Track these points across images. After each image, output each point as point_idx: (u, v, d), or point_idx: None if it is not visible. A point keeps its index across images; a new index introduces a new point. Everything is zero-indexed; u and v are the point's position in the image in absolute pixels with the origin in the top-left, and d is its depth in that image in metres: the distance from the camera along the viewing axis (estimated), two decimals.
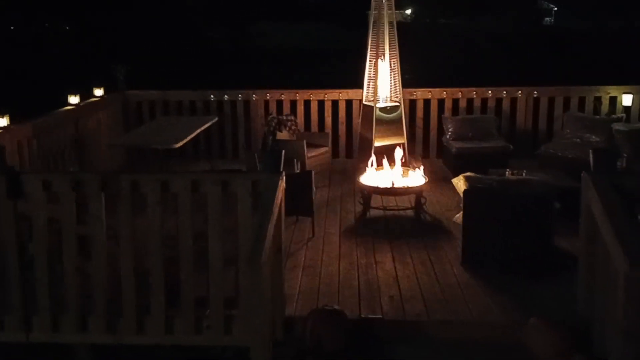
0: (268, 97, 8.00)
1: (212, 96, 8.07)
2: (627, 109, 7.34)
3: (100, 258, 3.72)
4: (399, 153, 5.91)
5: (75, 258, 3.72)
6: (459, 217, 4.98)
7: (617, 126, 6.19)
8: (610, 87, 7.55)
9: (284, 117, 7.27)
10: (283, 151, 3.97)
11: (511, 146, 7.09)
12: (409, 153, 6.88)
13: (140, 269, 3.77)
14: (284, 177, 3.82)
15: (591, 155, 3.72)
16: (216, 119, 7.54)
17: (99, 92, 7.37)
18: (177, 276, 3.71)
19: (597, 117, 7.21)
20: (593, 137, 6.61)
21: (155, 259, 3.73)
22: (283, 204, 3.85)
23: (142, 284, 3.77)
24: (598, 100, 7.57)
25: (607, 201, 3.36)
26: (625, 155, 5.86)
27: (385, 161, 5.89)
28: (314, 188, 5.35)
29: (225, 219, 3.77)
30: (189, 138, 6.30)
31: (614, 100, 7.51)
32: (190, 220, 3.70)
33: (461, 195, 4.76)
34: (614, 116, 7.03)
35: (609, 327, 3.13)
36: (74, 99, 6.66)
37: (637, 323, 2.93)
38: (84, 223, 3.77)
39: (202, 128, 6.87)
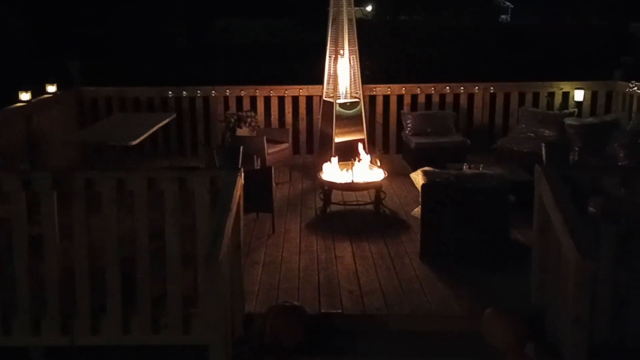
0: (227, 94, 7.94)
1: (170, 92, 7.95)
2: (579, 104, 7.55)
3: (53, 258, 3.63)
4: (359, 149, 5.94)
5: (27, 259, 3.62)
6: (417, 211, 5.03)
7: (569, 121, 6.36)
8: (563, 82, 7.75)
9: (244, 114, 7.22)
10: (241, 147, 3.94)
11: (468, 141, 7.21)
12: (368, 149, 6.92)
13: (96, 269, 3.70)
14: (243, 174, 3.80)
15: (543, 149, 3.80)
16: (174, 115, 7.44)
17: (51, 88, 7.18)
18: (134, 275, 3.65)
19: (550, 112, 7.39)
20: (547, 131, 6.78)
21: (110, 257, 3.67)
22: (242, 201, 3.82)
23: (98, 284, 3.69)
24: (551, 95, 7.76)
25: (558, 193, 3.45)
26: (577, 148, 6.03)
27: (345, 157, 5.92)
28: (274, 184, 5.33)
29: (184, 218, 3.73)
30: (146, 135, 6.20)
31: (566, 95, 7.72)
32: (146, 218, 3.65)
33: (419, 189, 4.81)
34: (566, 111, 7.22)
35: (560, 314, 3.22)
36: (25, 96, 6.46)
37: (585, 309, 3.02)
38: (36, 223, 3.67)
39: (160, 125, 6.77)
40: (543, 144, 3.84)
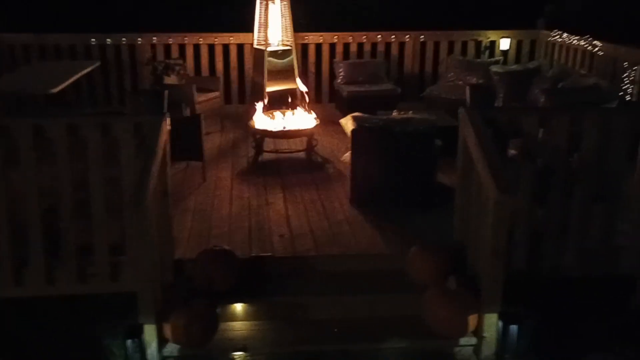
0: (154, 41, 7.65)
1: (93, 40, 7.58)
2: (504, 52, 7.74)
3: None
4: (291, 97, 5.90)
5: None
6: (347, 156, 5.09)
7: (494, 68, 6.52)
8: (490, 32, 7.90)
9: (172, 62, 7.00)
10: (166, 91, 3.85)
11: (399, 89, 7.30)
12: (300, 97, 6.89)
13: (18, 221, 3.56)
14: (168, 119, 3.70)
15: (467, 92, 3.90)
16: (98, 63, 7.13)
17: None
18: (59, 226, 3.55)
19: (478, 60, 7.55)
20: (474, 79, 6.94)
21: (31, 207, 3.53)
22: (168, 146, 3.74)
23: (20, 236, 3.57)
24: (478, 44, 7.91)
25: (481, 134, 3.56)
26: (501, 95, 6.21)
27: (277, 105, 5.88)
28: (203, 132, 5.24)
29: (110, 168, 3.63)
30: (68, 83, 5.93)
31: (493, 44, 7.89)
32: (67, 166, 3.52)
33: (349, 135, 4.85)
34: (492, 59, 7.40)
35: (480, 249, 3.38)
36: None
37: (503, 242, 3.18)
38: None
39: (83, 73, 6.48)
40: (467, 87, 3.95)
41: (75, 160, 3.55)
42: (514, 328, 2.98)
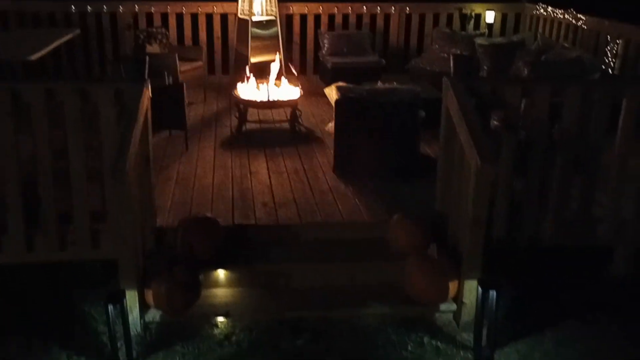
0: (136, 9, 7.51)
1: (73, 7, 7.42)
2: (489, 25, 7.72)
3: None
4: (275, 67, 5.85)
5: None
6: (331, 126, 5.08)
7: (479, 41, 6.50)
8: (475, 4, 7.87)
9: (154, 30, 6.89)
10: (147, 58, 3.79)
11: (384, 61, 7.27)
12: (285, 68, 6.83)
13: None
14: (149, 85, 3.66)
15: (452, 61, 3.89)
16: (78, 31, 6.99)
17: None
18: (39, 193, 3.51)
19: (463, 32, 7.52)
20: (459, 51, 6.91)
21: (9, 174, 3.49)
22: (149, 113, 3.70)
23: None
24: (463, 17, 7.87)
25: (464, 103, 3.56)
26: (485, 67, 6.20)
27: (261, 76, 5.82)
28: (185, 101, 5.19)
29: (90, 137, 3.58)
30: (47, 50, 5.80)
31: (478, 17, 7.86)
32: (46, 133, 3.46)
33: (333, 105, 4.83)
34: (477, 32, 7.37)
35: (461, 217, 3.41)
36: None
37: (484, 210, 3.21)
38: None
39: (62, 40, 6.35)
40: (451, 56, 3.93)
41: (55, 127, 3.51)
42: (493, 293, 3.02)
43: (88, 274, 3.81)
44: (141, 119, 3.46)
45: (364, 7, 7.84)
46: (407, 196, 4.33)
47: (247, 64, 6.78)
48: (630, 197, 3.78)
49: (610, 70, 5.77)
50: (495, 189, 3.59)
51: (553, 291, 3.77)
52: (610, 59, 5.80)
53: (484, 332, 3.15)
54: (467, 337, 3.29)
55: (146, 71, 3.69)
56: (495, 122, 3.99)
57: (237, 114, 5.70)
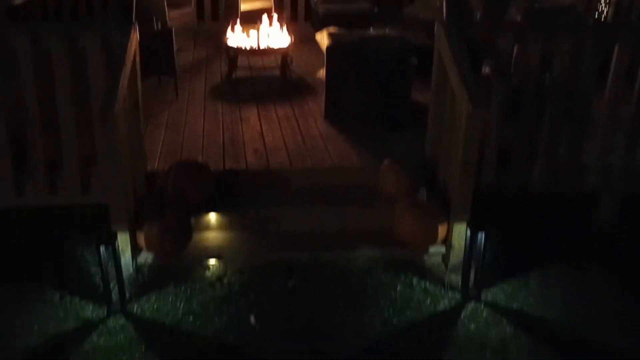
0: None
1: None
2: None
3: None
4: (266, 14, 5.74)
5: None
6: (322, 72, 5.04)
7: None
8: None
9: None
10: (134, 0, 3.70)
11: (376, 8, 7.14)
12: (276, 15, 6.70)
13: None
14: (137, 29, 3.59)
15: (444, 5, 3.83)
16: None
17: None
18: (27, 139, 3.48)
19: None
20: None
21: None
22: (138, 57, 3.65)
23: None
24: None
25: (456, 48, 3.53)
26: (479, 16, 6.11)
27: (251, 23, 5.72)
28: (175, 47, 5.11)
29: (78, 85, 3.53)
30: None
31: None
32: (32, 78, 3.41)
33: (324, 51, 4.78)
34: None
35: (451, 162, 3.43)
36: None
37: (474, 155, 3.23)
38: None
39: None
40: (444, 0, 3.87)
41: (44, 75, 3.45)
42: (481, 235, 3.07)
43: (78, 221, 3.82)
44: (130, 63, 3.41)
45: None
46: (398, 142, 4.34)
47: (237, 13, 6.65)
48: (618, 145, 3.80)
49: (602, 18, 5.71)
50: (486, 135, 3.61)
51: (539, 236, 3.84)
52: (602, 7, 5.74)
53: (472, 273, 3.22)
54: (456, 278, 3.36)
55: (133, 13, 3.61)
56: (487, 70, 3.98)
57: (227, 61, 5.63)
